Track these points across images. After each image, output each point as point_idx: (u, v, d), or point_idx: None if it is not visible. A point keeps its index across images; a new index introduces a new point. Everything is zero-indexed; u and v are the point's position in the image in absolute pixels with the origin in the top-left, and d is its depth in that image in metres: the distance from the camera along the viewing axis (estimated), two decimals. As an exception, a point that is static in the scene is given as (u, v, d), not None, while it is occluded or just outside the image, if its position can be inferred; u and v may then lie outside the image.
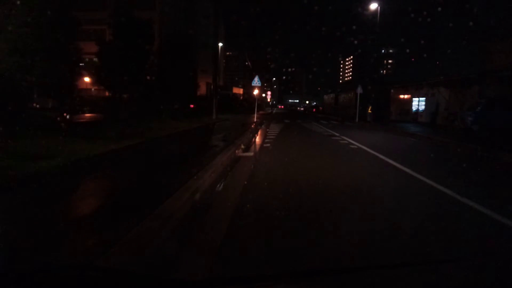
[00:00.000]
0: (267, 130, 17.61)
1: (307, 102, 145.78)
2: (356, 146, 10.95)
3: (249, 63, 62.70)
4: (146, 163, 6.73)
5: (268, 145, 11.02)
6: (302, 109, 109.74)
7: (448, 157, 10.02)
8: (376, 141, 13.35)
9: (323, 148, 11.03)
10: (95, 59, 13.10)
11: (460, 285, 1.26)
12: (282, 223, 3.80)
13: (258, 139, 13.27)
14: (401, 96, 34.34)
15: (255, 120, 23.88)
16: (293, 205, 4.47)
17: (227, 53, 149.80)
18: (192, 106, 19.85)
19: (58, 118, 16.26)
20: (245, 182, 5.66)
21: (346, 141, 12.44)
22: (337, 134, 15.37)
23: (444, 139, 13.42)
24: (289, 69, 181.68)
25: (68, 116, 18.54)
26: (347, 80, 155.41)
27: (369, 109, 29.25)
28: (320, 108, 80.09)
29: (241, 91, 64.55)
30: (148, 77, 14.51)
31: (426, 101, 27.43)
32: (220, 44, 45.05)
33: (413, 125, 23.15)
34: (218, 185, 5.45)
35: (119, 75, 12.37)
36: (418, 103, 28.50)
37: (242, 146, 10.22)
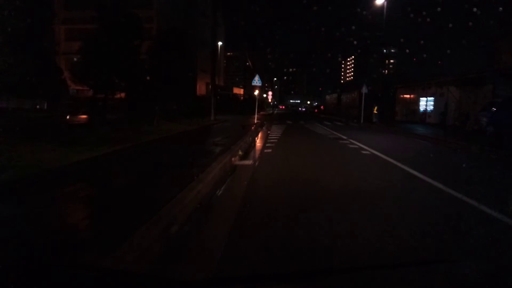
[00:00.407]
0: (268, 132, 16.42)
1: (308, 102, 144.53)
2: (368, 152, 9.73)
3: (250, 63, 61.58)
4: (116, 179, 5.53)
5: (270, 150, 9.82)
6: (303, 109, 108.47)
7: (483, 168, 8.70)
8: (389, 145, 12.14)
9: (331, 154, 9.83)
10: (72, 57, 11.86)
11: (460, 285, 1.25)
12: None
13: (258, 143, 12.08)
14: (406, 96, 33.12)
15: (255, 121, 22.68)
16: (306, 245, 3.27)
17: (228, 54, 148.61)
18: (181, 106, 18.41)
19: (59, 120, 15.10)
20: (240, 204, 4.46)
21: (355, 146, 11.23)
22: (344, 137, 14.15)
23: (463, 142, 12.19)
24: (290, 70, 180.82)
25: (68, 117, 17.41)
26: (349, 80, 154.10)
27: (375, 110, 28.07)
28: (322, 108, 78.90)
29: (241, 91, 63.38)
30: (139, 76, 13.28)
31: (434, 101, 26.18)
32: (220, 43, 43.92)
33: (422, 126, 21.94)
34: (202, 212, 4.26)
35: (104, 72, 11.14)
36: (426, 103, 27.25)
37: (240, 152, 9.02)
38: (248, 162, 7.82)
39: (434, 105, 26.11)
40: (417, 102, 29.83)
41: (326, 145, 12.01)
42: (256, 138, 13.50)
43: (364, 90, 28.14)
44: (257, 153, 9.40)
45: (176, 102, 19.06)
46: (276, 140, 12.47)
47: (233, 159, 7.90)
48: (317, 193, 5.19)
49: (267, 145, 11.17)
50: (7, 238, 2.87)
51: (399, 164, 7.68)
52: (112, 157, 7.38)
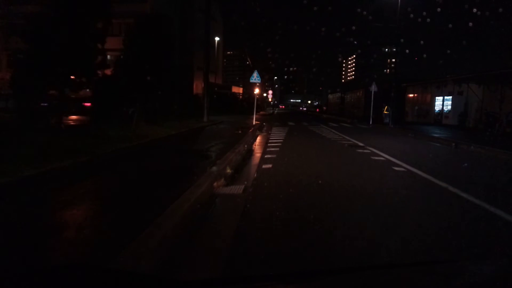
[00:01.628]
0: (268, 137, 13.89)
1: (309, 101, 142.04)
2: (403, 169, 7.19)
3: (249, 62, 59.08)
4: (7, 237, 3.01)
5: (269, 165, 7.30)
6: (304, 109, 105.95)
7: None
8: (423, 157, 9.58)
9: (354, 173, 7.28)
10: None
11: (460, 286, 1.21)
12: None
13: (255, 152, 9.56)
14: (417, 95, 30.58)
15: (254, 122, 20.19)
16: None
17: (228, 53, 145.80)
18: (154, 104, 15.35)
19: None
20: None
21: (381, 158, 8.70)
22: (360, 144, 11.62)
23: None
24: (290, 69, 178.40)
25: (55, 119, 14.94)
26: (350, 79, 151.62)
27: (385, 110, 25.62)
28: (324, 108, 76.47)
29: (240, 90, 60.87)
30: (103, 68, 10.64)
31: (453, 100, 23.62)
32: (217, 39, 41.39)
33: (441, 129, 19.43)
34: None
35: (55, 62, 8.56)
36: (443, 103, 24.69)
37: (228, 170, 6.51)
38: (237, 188, 5.29)
39: (452, 105, 23.54)
40: (431, 102, 27.29)
41: (343, 156, 9.47)
42: (253, 146, 10.99)
43: (374, 88, 25.66)
44: (253, 171, 6.87)
45: (161, 102, 16.49)
46: (277, 149, 9.95)
47: (215, 183, 5.39)
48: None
49: (266, 156, 8.65)
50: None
51: (478, 202, 5.12)
52: (31, 184, 4.86)
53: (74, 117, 15.46)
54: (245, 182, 5.74)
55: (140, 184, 5.20)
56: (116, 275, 1.23)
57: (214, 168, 6.22)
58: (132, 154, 8.09)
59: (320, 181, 5.95)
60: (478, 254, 3.12)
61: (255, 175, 6.38)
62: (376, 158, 8.60)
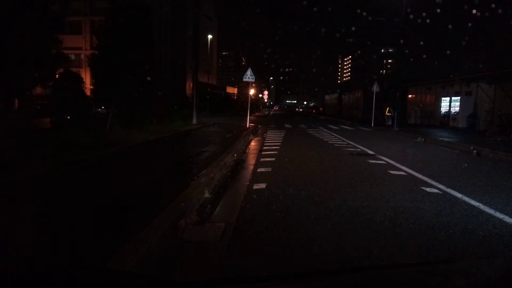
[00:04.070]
0: (263, 142, 12.20)
1: (304, 102, 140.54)
2: (437, 190, 5.50)
3: (244, 61, 57.54)
4: None
5: (263, 185, 5.60)
6: (300, 110, 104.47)
7: None
8: (453, 171, 7.89)
9: (376, 197, 5.60)
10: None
11: (460, 286, 1.19)
12: None
13: (246, 164, 7.88)
14: (420, 96, 29.08)
15: (248, 125, 18.52)
16: None
17: (223, 53, 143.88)
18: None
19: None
20: None
21: (401, 172, 7.03)
22: (370, 152, 9.97)
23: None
24: (287, 69, 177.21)
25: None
26: (346, 80, 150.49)
27: (387, 111, 24.13)
28: (320, 109, 75.07)
29: (235, 90, 59.26)
30: (59, 62, 8.90)
31: (461, 101, 22.07)
32: (210, 36, 39.67)
33: (450, 132, 17.88)
34: None
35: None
36: (450, 104, 23.13)
37: (206, 195, 4.83)
38: (214, 230, 3.58)
39: (461, 106, 21.98)
40: (435, 103, 25.74)
41: (354, 169, 7.76)
42: (245, 155, 9.31)
43: (376, 88, 24.15)
44: (240, 195, 5.15)
45: (145, 102, 14.78)
46: (273, 159, 8.27)
47: (183, 221, 3.70)
48: None
49: (259, 170, 6.97)
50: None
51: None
52: None
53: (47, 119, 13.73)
54: (227, 217, 4.06)
55: (56, 228, 3.46)
56: (115, 275, 1.21)
57: (187, 192, 4.54)
58: (86, 169, 6.36)
59: (333, 213, 4.28)
60: None
61: (243, 202, 4.69)
62: (396, 172, 6.94)
